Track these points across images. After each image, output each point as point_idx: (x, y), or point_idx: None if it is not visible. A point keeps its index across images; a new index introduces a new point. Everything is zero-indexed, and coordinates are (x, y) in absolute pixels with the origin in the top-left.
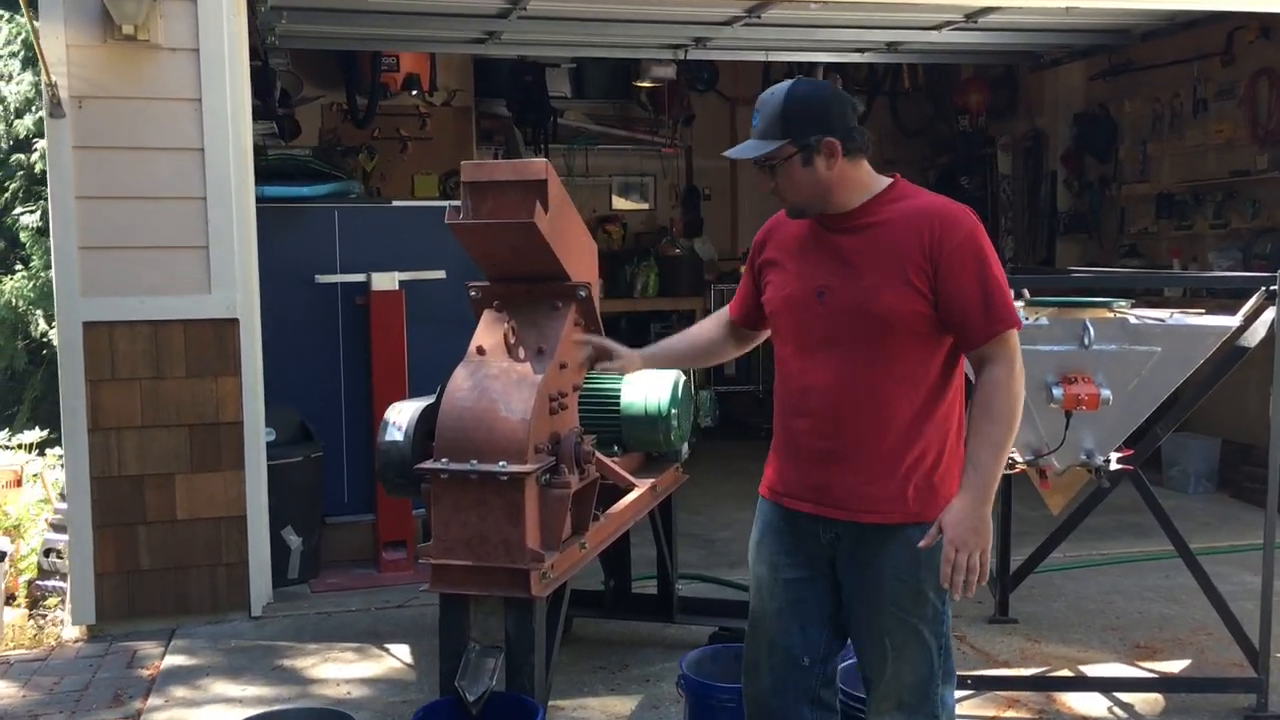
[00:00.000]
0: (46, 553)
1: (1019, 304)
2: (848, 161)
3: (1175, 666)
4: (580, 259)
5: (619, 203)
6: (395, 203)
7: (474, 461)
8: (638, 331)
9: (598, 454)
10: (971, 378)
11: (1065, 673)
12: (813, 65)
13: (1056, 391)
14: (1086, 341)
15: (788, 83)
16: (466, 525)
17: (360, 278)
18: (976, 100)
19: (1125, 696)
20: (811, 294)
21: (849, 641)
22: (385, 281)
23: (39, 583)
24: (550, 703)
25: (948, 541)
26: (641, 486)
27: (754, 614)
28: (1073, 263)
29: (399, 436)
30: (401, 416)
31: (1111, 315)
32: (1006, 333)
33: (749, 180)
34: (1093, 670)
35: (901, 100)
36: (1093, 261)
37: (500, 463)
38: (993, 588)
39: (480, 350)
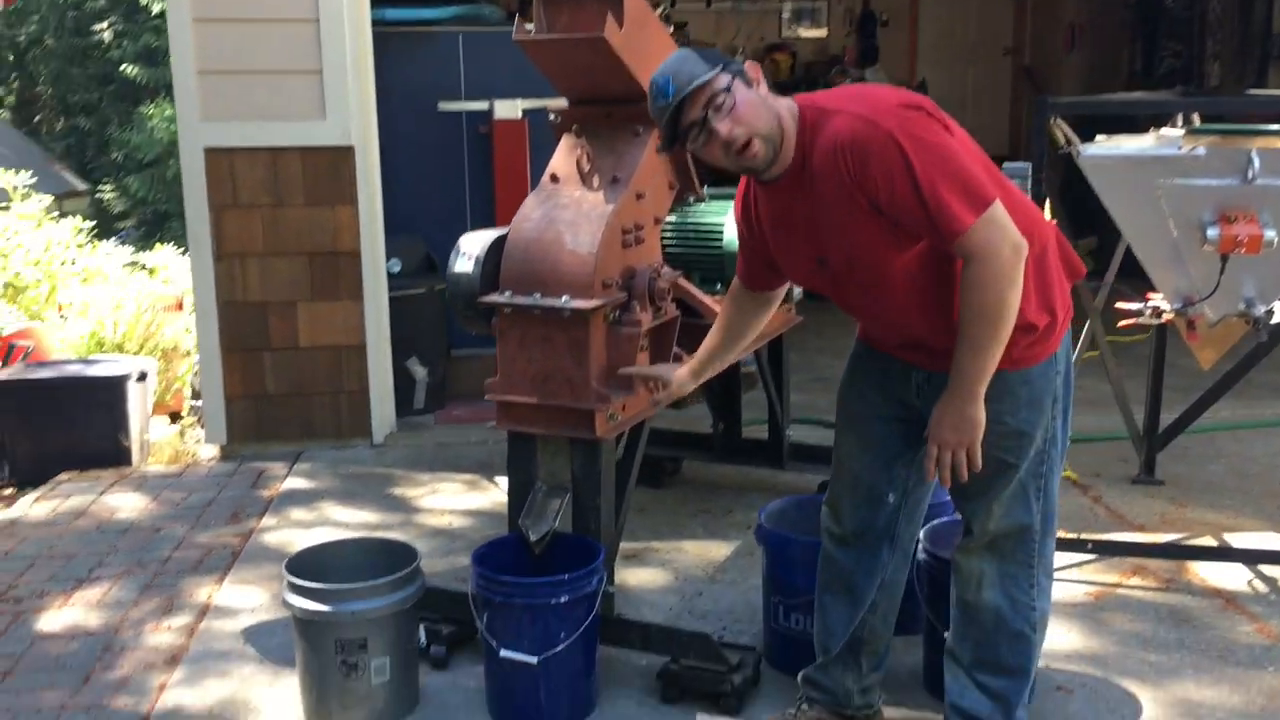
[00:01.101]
0: (196, 373)
1: (1178, 131)
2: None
3: None
4: None
5: (790, 30)
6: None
7: (537, 295)
8: None
9: (696, 292)
10: None
11: (1207, 540)
12: None
13: (1211, 232)
14: (1250, 175)
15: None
16: (531, 362)
17: (483, 105)
18: None
19: (1270, 570)
20: (813, 265)
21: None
22: (508, 110)
23: (193, 402)
24: (646, 544)
25: (930, 439)
26: None
27: (841, 450)
28: None
29: (469, 266)
30: (473, 245)
31: None
32: (966, 233)
33: (931, 6)
34: (1239, 539)
35: None
36: None
37: (564, 298)
38: (1137, 446)
39: (554, 178)
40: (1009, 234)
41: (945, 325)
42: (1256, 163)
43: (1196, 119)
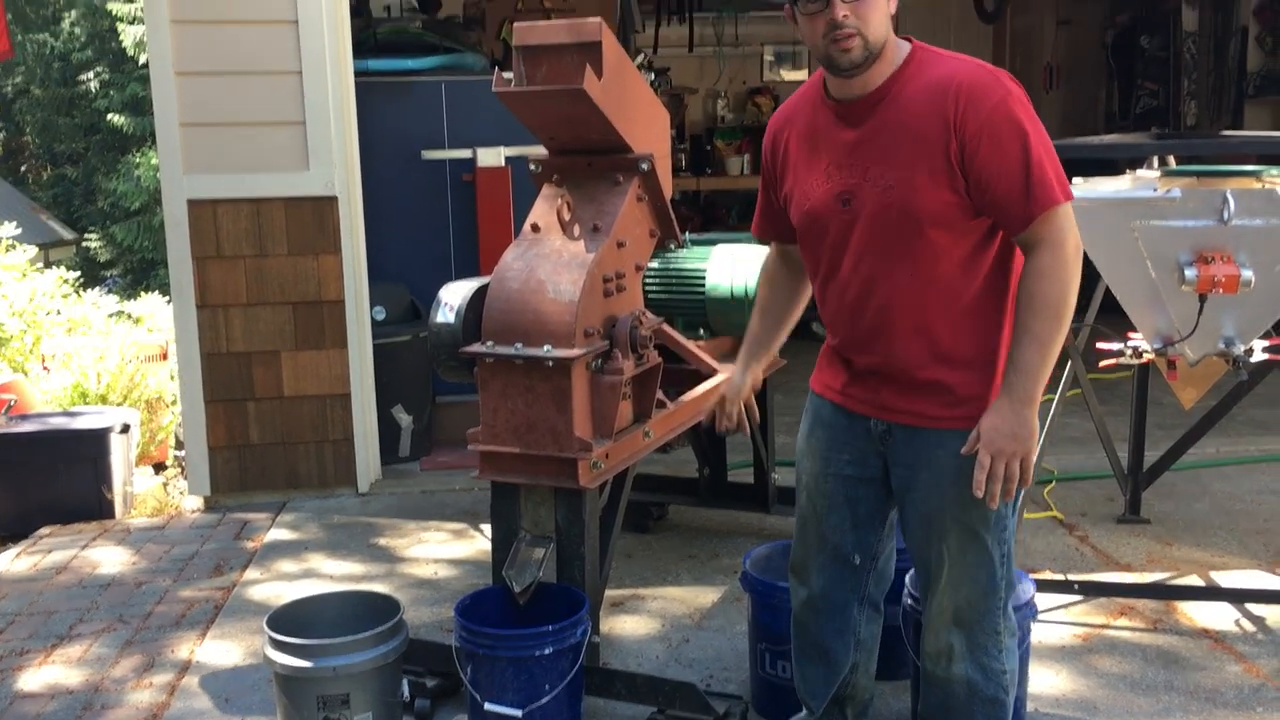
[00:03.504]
0: (180, 424)
1: (1154, 173)
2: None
3: None
4: (646, 128)
5: (772, 73)
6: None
7: (519, 345)
8: None
9: (678, 337)
10: None
11: (1194, 580)
12: None
13: (1189, 273)
14: (1226, 216)
15: None
16: (514, 412)
17: (466, 154)
18: None
19: (1257, 609)
20: (835, 202)
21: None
22: (491, 157)
23: (177, 453)
24: (632, 591)
25: (982, 447)
26: (725, 371)
27: (802, 511)
28: (1262, 129)
29: (450, 317)
30: (454, 296)
31: (1259, 186)
32: (1051, 212)
33: None
34: (1225, 578)
35: None
36: None
37: (545, 347)
38: (1123, 485)
39: (535, 228)
40: (1075, 230)
41: (936, 342)
42: (1232, 204)
43: (1172, 160)
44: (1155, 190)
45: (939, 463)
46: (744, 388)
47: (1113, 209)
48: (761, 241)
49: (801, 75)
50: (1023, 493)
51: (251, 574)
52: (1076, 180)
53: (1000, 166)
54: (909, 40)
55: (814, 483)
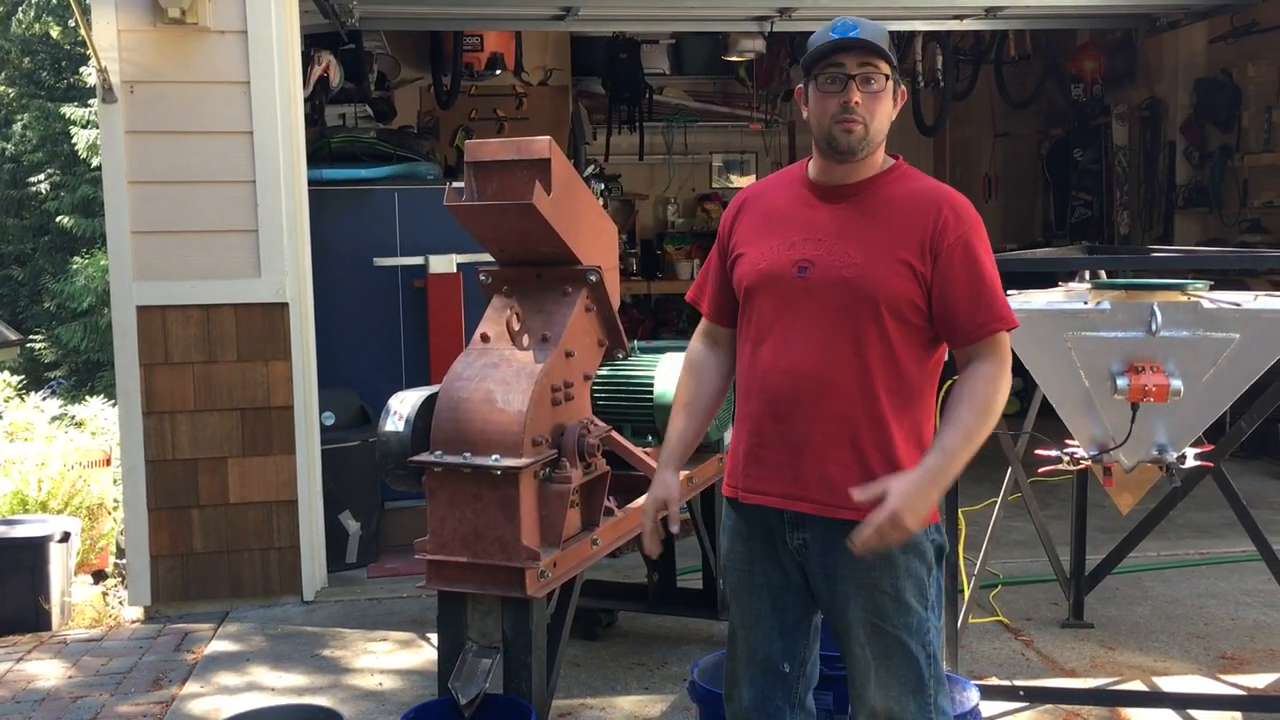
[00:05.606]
0: (122, 531)
1: (1084, 286)
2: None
3: (1261, 681)
4: (593, 241)
5: (720, 180)
6: (454, 184)
7: (467, 454)
8: None
9: (627, 444)
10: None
11: (1137, 685)
12: (910, 34)
13: (1121, 382)
14: (1154, 328)
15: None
16: (462, 520)
17: (419, 260)
18: (1091, 67)
19: (1201, 715)
20: (792, 267)
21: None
22: (442, 264)
23: (118, 560)
24: (580, 700)
25: (885, 508)
26: None
27: (733, 621)
28: (1192, 238)
29: (399, 426)
30: (404, 405)
31: (1184, 299)
32: (999, 334)
33: None
34: (1168, 683)
35: (1008, 69)
36: (1213, 237)
37: (494, 456)
38: (1065, 589)
39: (484, 338)
40: (1010, 357)
41: (869, 407)
42: (1159, 316)
43: (1102, 273)
44: (1086, 303)
45: (854, 572)
46: (671, 498)
47: (1046, 320)
48: (694, 310)
49: (749, 182)
50: (943, 600)
51: (191, 687)
52: (1011, 292)
53: (960, 281)
54: (896, 157)
55: (741, 594)
